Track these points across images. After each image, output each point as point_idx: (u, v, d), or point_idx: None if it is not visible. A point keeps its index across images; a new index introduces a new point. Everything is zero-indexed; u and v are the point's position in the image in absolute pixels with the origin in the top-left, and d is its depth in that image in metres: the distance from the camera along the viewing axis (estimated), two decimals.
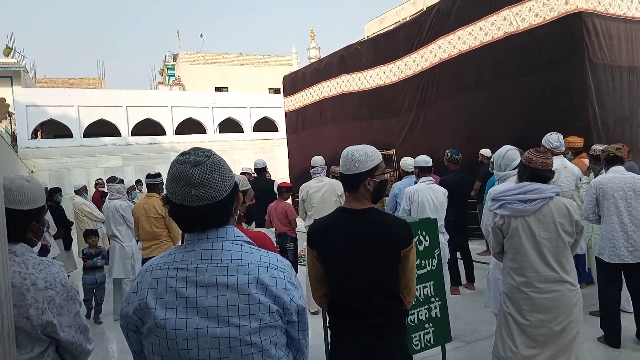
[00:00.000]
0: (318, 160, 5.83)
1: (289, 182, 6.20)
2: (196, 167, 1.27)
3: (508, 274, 2.89)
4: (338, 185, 5.65)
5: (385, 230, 2.05)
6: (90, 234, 6.22)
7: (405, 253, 2.05)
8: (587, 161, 5.35)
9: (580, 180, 5.06)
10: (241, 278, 1.26)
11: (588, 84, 6.81)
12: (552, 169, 2.85)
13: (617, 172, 3.88)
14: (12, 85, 20.38)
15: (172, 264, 1.31)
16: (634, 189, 3.80)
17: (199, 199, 1.27)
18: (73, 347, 1.66)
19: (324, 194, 5.54)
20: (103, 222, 8.22)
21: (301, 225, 5.89)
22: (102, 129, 21.09)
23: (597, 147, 4.56)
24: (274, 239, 6.52)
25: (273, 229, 5.94)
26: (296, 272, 5.99)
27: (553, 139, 4.98)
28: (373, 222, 2.07)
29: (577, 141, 5.57)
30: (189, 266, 1.28)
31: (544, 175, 2.80)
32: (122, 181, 6.33)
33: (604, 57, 6.98)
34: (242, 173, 8.12)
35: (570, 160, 5.51)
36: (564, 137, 5.58)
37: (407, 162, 5.59)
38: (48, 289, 1.57)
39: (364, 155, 2.09)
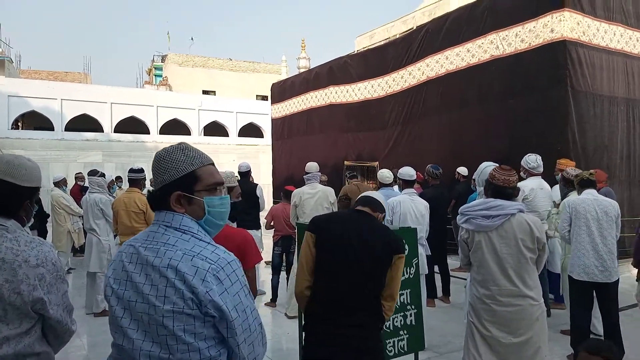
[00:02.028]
0: (312, 166, 5.86)
1: (293, 186, 6.28)
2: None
3: (473, 285, 2.98)
4: (331, 193, 5.72)
5: (385, 234, 2.19)
6: None
7: (397, 260, 2.15)
8: None
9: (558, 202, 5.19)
10: (164, 261, 1.35)
11: (570, 110, 7.03)
12: (517, 186, 2.95)
13: (590, 194, 4.01)
14: None
15: (130, 241, 1.48)
16: (606, 212, 3.92)
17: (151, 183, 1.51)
18: (59, 325, 1.66)
19: (316, 200, 5.58)
20: (80, 217, 8.12)
21: None
22: (84, 123, 20.81)
23: (570, 171, 4.71)
24: (268, 242, 6.52)
25: (272, 231, 5.96)
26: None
27: (531, 159, 5.13)
28: (376, 225, 2.24)
29: (569, 164, 5.73)
30: (136, 244, 1.44)
31: (506, 192, 2.88)
32: (103, 175, 6.30)
33: (586, 85, 7.22)
34: None
35: (560, 181, 5.64)
36: (556, 159, 5.74)
37: (384, 174, 5.67)
38: (39, 267, 1.57)
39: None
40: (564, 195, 4.81)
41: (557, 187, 5.47)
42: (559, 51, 7.16)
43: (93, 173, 6.22)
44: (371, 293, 2.12)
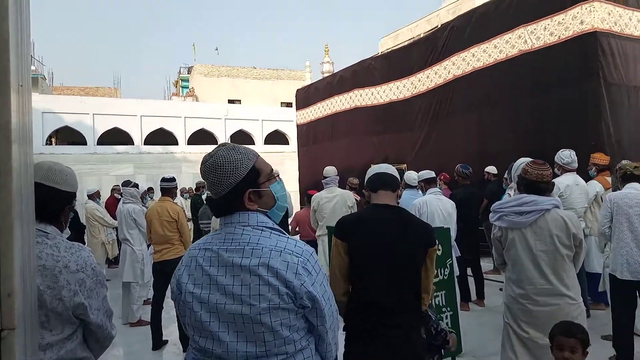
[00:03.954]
0: (330, 170, 5.85)
1: (316, 190, 6.27)
2: (202, 165, 1.48)
3: (508, 285, 2.89)
4: (349, 196, 5.68)
5: (417, 228, 2.13)
6: None
7: (431, 252, 2.11)
8: (609, 179, 5.28)
9: (601, 198, 5.00)
10: (253, 260, 1.36)
11: (603, 102, 6.79)
12: (552, 180, 2.85)
13: (632, 188, 3.84)
14: None
15: (203, 245, 1.48)
16: None
17: (210, 191, 1.49)
18: (100, 330, 1.68)
19: (335, 204, 5.56)
20: (114, 228, 8.30)
21: None
22: (115, 137, 21.37)
23: (625, 162, 4.48)
24: None
25: (297, 237, 5.97)
26: None
27: (565, 155, 4.97)
28: (405, 219, 2.16)
29: (603, 158, 5.52)
30: (213, 247, 1.44)
31: (540, 187, 2.79)
32: (136, 185, 6.39)
33: (619, 77, 6.97)
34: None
35: (593, 177, 5.45)
36: (590, 154, 5.55)
37: (411, 175, 5.66)
38: (79, 272, 1.60)
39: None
40: (615, 189, 4.62)
41: (592, 182, 5.29)
42: (589, 43, 6.93)
43: (126, 184, 6.35)
44: (410, 291, 2.09)
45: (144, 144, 21.78)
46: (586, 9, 6.95)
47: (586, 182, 5.17)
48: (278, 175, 1.58)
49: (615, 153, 6.58)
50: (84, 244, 8.43)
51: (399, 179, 2.32)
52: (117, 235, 7.94)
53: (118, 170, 20.25)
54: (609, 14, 7.00)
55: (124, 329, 5.70)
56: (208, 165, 1.45)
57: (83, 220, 8.59)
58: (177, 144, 22.61)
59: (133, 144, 21.69)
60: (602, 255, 4.79)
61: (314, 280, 1.39)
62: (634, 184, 3.86)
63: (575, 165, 5.01)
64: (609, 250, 4.74)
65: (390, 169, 2.36)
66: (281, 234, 1.46)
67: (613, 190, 4.67)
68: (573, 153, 4.98)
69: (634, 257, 3.70)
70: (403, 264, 2.06)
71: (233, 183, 1.43)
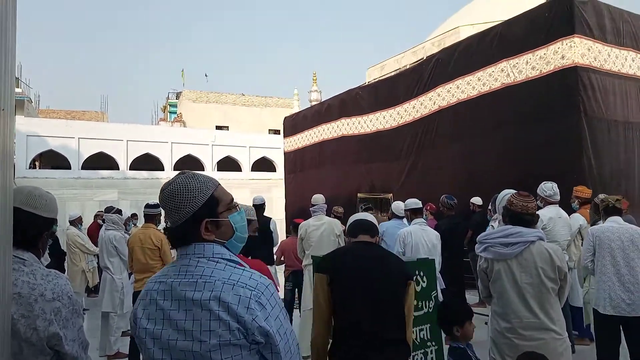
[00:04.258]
0: (319, 198, 5.82)
1: (302, 219, 6.21)
2: (160, 193, 1.44)
3: (494, 319, 2.87)
4: (337, 225, 5.64)
5: (394, 260, 2.21)
6: None
7: (409, 287, 2.14)
8: None
9: (582, 229, 5.05)
10: (205, 294, 1.31)
11: (584, 136, 6.93)
12: (536, 212, 2.87)
13: (614, 222, 3.87)
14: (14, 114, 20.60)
15: (159, 278, 1.44)
16: (632, 240, 3.74)
17: (168, 220, 1.45)
18: None
19: (322, 232, 5.50)
20: (95, 255, 8.12)
21: None
22: (100, 161, 21.18)
23: (602, 197, 4.57)
24: (282, 277, 6.44)
25: (282, 267, 5.87)
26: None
27: (547, 187, 5.02)
28: (384, 254, 2.25)
29: (586, 191, 5.60)
30: (167, 280, 1.39)
31: (525, 218, 2.80)
32: (119, 211, 6.28)
33: (599, 111, 7.14)
34: None
35: (576, 209, 5.51)
36: (572, 187, 5.62)
37: (399, 206, 5.65)
38: (55, 301, 1.55)
39: None
40: (593, 223, 4.67)
41: (575, 215, 5.34)
42: (570, 77, 7.12)
43: (109, 210, 6.24)
44: (393, 323, 2.09)
45: (130, 169, 21.61)
46: (567, 44, 7.17)
47: (569, 215, 5.21)
48: (238, 206, 1.55)
49: (596, 186, 6.67)
50: (64, 271, 8.25)
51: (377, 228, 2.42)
52: (98, 263, 7.76)
53: (102, 196, 19.99)
54: (589, 49, 7.22)
55: None
56: (166, 193, 1.42)
57: (64, 246, 8.39)
58: (163, 169, 22.47)
59: (118, 169, 21.51)
60: (582, 290, 4.80)
61: (267, 314, 1.33)
62: (616, 218, 3.90)
63: (558, 197, 5.06)
64: (588, 285, 4.77)
65: (369, 217, 2.44)
66: (237, 266, 1.41)
67: (592, 224, 4.73)
68: (555, 185, 5.03)
69: (616, 291, 3.69)
70: (386, 298, 2.08)
71: (190, 212, 1.39)
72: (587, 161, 6.91)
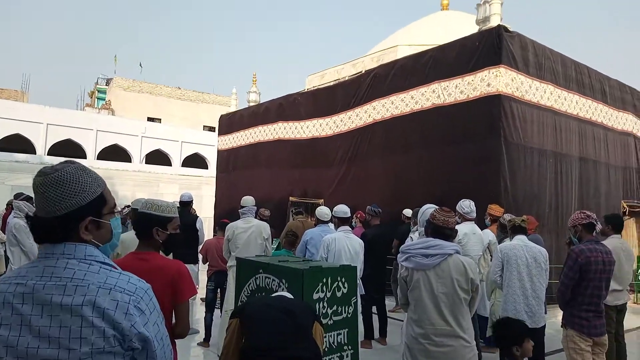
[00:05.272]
0: (248, 200, 5.74)
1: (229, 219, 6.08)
2: (40, 177, 1.30)
3: (409, 325, 3.01)
4: (265, 228, 5.60)
5: (305, 316, 2.19)
6: None
7: (316, 326, 2.20)
8: None
9: (491, 244, 5.43)
10: (76, 299, 1.22)
11: (502, 159, 7.46)
12: (455, 227, 3.07)
13: (520, 240, 4.21)
14: None
15: (14, 279, 1.27)
16: (535, 258, 4.11)
17: (39, 209, 1.30)
18: None
19: (249, 235, 5.44)
20: (2, 243, 7.50)
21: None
22: (16, 144, 19.63)
23: (507, 217, 4.96)
24: (203, 276, 6.26)
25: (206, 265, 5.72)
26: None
27: (465, 205, 5.33)
28: (292, 299, 2.36)
29: (498, 210, 6.01)
30: (28, 282, 1.25)
31: (445, 232, 3.00)
32: (28, 198, 5.84)
33: (518, 137, 7.72)
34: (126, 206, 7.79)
35: (488, 225, 5.91)
36: (487, 205, 6.01)
37: (323, 211, 5.69)
38: None
39: None
40: (500, 240, 5.02)
41: (486, 230, 5.72)
42: (494, 104, 7.65)
43: (18, 196, 5.80)
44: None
45: (47, 154, 20.19)
46: (493, 73, 7.70)
47: (482, 230, 5.58)
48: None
49: (510, 206, 7.19)
50: None
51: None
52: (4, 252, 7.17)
53: (15, 180, 18.49)
54: (512, 80, 7.80)
55: None
56: (51, 179, 1.28)
57: None
58: (85, 157, 21.22)
59: (35, 153, 20.03)
60: (489, 302, 5.16)
61: (147, 319, 1.29)
62: (521, 236, 4.25)
63: (474, 215, 5.39)
64: (494, 297, 5.14)
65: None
66: (113, 269, 1.32)
67: (499, 241, 5.11)
68: (472, 203, 5.36)
69: (520, 304, 4.04)
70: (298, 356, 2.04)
71: (75, 205, 1.29)
72: (504, 182, 7.43)
